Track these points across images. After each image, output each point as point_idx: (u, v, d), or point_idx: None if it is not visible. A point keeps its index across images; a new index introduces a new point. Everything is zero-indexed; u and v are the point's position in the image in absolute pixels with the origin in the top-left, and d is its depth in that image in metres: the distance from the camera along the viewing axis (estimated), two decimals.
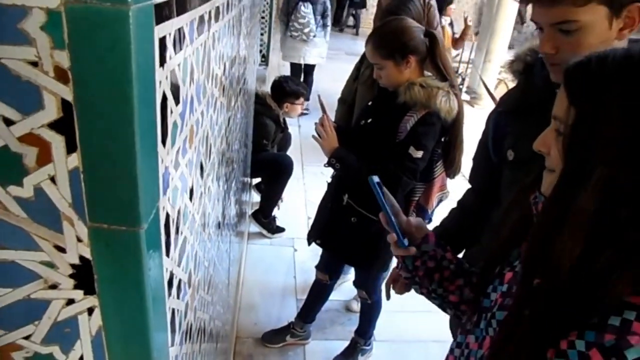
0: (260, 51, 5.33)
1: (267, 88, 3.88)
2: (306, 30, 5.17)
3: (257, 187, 3.87)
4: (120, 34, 0.47)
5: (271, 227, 3.46)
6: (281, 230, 3.49)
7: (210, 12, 0.89)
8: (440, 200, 2.13)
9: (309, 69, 5.68)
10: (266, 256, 3.28)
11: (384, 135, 1.74)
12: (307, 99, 4.63)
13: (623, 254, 0.60)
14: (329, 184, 2.17)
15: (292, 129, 4.67)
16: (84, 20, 0.46)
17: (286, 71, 5.96)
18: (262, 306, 2.82)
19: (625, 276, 0.60)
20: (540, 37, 0.99)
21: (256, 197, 3.79)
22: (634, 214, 0.59)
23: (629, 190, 0.59)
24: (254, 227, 3.47)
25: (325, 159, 1.82)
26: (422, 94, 1.66)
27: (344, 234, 1.97)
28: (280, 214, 3.62)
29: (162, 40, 0.58)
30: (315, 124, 1.82)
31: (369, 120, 1.84)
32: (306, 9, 5.14)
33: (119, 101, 0.49)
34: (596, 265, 0.61)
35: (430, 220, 2.17)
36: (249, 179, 3.24)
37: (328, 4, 5.39)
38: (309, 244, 2.23)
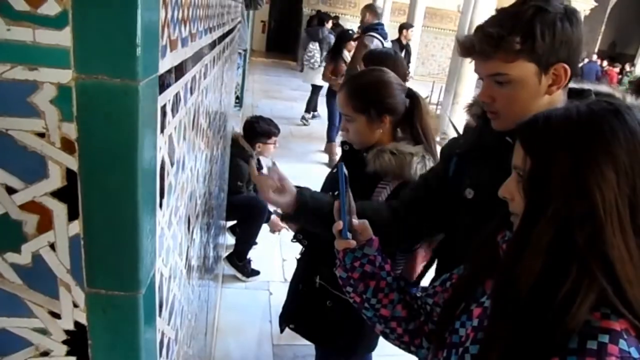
0: (235, 92, 5.42)
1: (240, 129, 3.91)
2: (312, 60, 7.25)
3: (232, 229, 3.83)
4: (129, 108, 0.49)
5: (246, 271, 3.41)
6: (256, 273, 3.44)
7: (201, 70, 0.92)
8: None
9: (316, 89, 7.46)
10: (241, 300, 3.22)
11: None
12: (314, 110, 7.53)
13: (584, 279, 0.68)
14: (298, 261, 1.92)
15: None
16: (94, 95, 0.48)
17: (259, 112, 6.04)
18: (237, 353, 2.75)
19: (588, 300, 0.67)
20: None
21: (230, 240, 3.74)
22: (590, 240, 0.68)
23: (580, 218, 0.69)
24: (228, 270, 3.42)
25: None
26: (393, 163, 1.46)
27: (320, 320, 1.74)
28: (254, 256, 3.58)
29: (163, 108, 0.60)
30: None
31: (337, 193, 1.55)
32: (313, 46, 7.33)
33: (124, 172, 0.50)
34: (559, 291, 0.68)
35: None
36: (224, 222, 3.22)
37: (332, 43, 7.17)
38: (282, 330, 1.96)
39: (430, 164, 1.50)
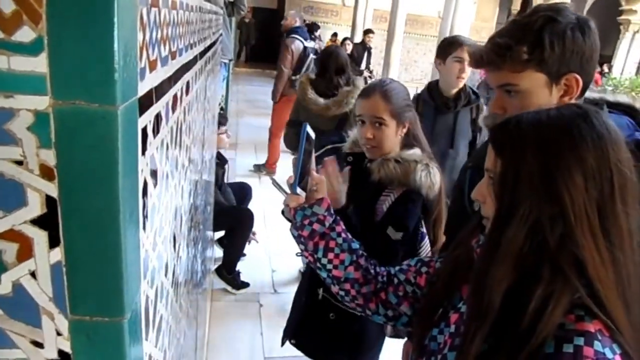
0: (219, 104, 5.41)
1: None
2: None
3: (219, 242, 3.80)
4: (108, 133, 0.48)
5: (235, 283, 3.39)
6: (246, 285, 3.42)
7: (182, 88, 0.92)
8: None
9: None
10: (231, 313, 3.20)
11: (361, 218, 1.51)
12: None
13: (557, 282, 0.69)
14: (303, 274, 1.94)
15: (252, 181, 4.67)
16: (72, 121, 0.47)
17: (244, 124, 6.05)
18: None
19: (561, 303, 0.68)
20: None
21: (218, 252, 3.72)
22: (560, 242, 0.69)
23: (550, 221, 0.70)
24: (218, 283, 3.39)
25: None
26: (398, 171, 1.48)
27: (322, 333, 1.74)
28: (244, 268, 3.56)
29: (144, 130, 0.59)
30: (284, 209, 1.31)
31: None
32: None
33: (105, 197, 0.49)
34: (532, 295, 0.69)
35: None
36: (212, 235, 3.19)
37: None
38: (282, 343, 1.93)
39: (435, 171, 1.53)
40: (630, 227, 0.71)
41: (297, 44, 4.85)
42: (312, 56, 4.85)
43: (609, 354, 0.65)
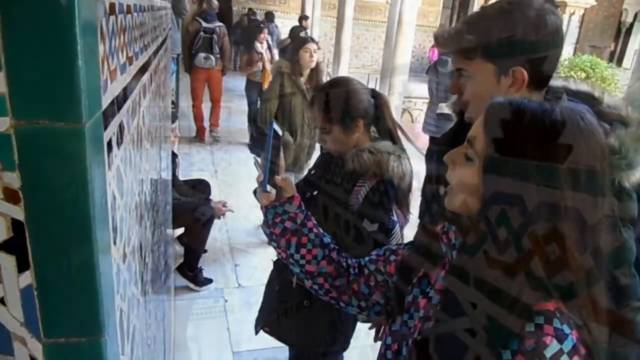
0: (171, 99, 5.28)
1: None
2: None
3: (179, 239, 3.74)
4: (76, 151, 0.47)
5: (198, 280, 3.35)
6: (209, 281, 3.38)
7: (140, 91, 0.89)
8: None
9: None
10: (196, 310, 3.16)
11: (334, 208, 1.58)
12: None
13: (528, 288, 0.70)
14: (274, 262, 1.94)
15: (209, 175, 4.60)
16: (36, 142, 0.45)
17: None
18: None
19: (536, 286, 0.70)
20: None
21: (179, 250, 3.65)
22: (538, 243, 0.70)
23: (541, 219, 0.70)
24: (180, 282, 3.34)
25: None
26: (372, 161, 1.54)
27: (297, 320, 1.77)
28: (205, 264, 3.52)
29: (109, 143, 0.58)
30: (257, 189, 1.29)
31: (315, 192, 1.68)
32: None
33: (75, 218, 0.48)
34: (518, 286, 0.70)
35: None
36: (172, 233, 3.13)
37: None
38: (256, 332, 1.95)
39: (406, 162, 1.60)
40: (601, 245, 0.73)
41: (194, 25, 5.60)
42: (201, 34, 5.57)
43: (567, 330, 0.69)
